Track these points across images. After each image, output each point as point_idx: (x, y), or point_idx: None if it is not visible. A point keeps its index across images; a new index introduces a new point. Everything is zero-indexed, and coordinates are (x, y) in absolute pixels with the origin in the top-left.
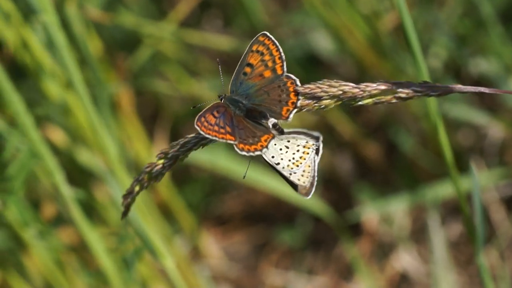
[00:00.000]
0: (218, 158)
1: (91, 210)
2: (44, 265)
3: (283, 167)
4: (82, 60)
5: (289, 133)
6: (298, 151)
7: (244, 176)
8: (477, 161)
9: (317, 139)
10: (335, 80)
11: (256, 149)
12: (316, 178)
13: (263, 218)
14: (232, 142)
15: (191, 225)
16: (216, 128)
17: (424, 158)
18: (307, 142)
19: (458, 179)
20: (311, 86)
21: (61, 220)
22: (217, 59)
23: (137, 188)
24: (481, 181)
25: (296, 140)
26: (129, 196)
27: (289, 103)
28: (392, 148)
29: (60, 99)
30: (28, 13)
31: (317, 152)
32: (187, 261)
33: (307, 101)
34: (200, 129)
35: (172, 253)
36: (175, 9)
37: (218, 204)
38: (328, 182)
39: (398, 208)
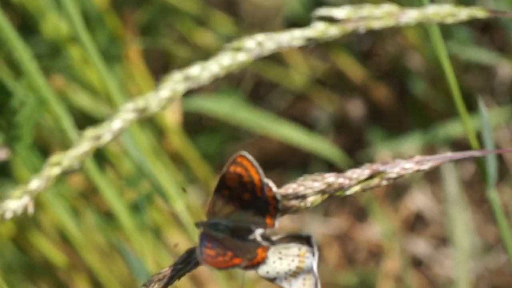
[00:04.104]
0: (236, 110)
1: (101, 159)
2: (56, 215)
3: (281, 281)
4: (87, 13)
5: (279, 241)
6: (293, 261)
7: None
8: (488, 101)
9: (308, 241)
10: (316, 173)
11: (258, 262)
12: (319, 281)
13: (278, 165)
14: (240, 263)
15: (206, 174)
16: (220, 258)
17: (435, 100)
18: (299, 249)
19: (466, 117)
20: (293, 185)
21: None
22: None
23: None
24: (492, 120)
25: (288, 249)
26: None
27: (270, 209)
28: (403, 90)
29: (66, 49)
30: None
31: (313, 254)
32: (201, 209)
33: (291, 203)
34: (211, 266)
35: (185, 200)
36: None
37: (232, 153)
38: (340, 127)
39: (411, 148)
